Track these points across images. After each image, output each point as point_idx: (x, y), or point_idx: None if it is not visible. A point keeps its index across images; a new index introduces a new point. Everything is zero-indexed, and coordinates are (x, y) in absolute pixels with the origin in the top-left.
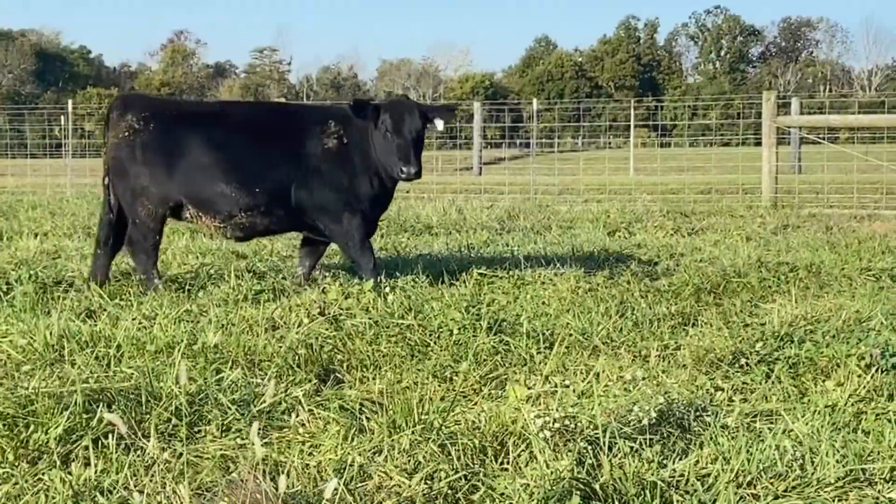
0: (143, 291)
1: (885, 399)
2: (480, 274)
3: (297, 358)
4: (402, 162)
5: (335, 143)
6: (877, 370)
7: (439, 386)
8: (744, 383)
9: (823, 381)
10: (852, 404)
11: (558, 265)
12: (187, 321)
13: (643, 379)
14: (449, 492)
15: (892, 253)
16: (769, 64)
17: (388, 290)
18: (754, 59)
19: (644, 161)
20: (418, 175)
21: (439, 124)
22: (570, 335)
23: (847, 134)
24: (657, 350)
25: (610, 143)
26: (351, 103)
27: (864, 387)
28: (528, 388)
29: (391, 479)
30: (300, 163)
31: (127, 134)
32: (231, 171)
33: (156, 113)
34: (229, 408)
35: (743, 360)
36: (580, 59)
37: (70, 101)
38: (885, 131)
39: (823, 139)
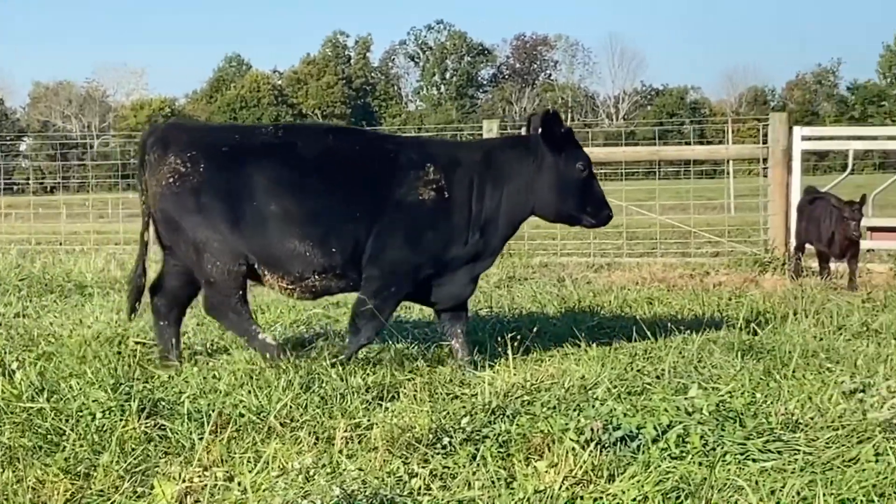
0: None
1: (604, 480)
2: (137, 343)
3: None
4: (608, 208)
5: (432, 195)
6: (597, 446)
7: (71, 484)
8: (445, 467)
9: (537, 460)
10: (567, 488)
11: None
12: None
13: (322, 466)
14: None
15: (629, 307)
16: (502, 88)
17: (14, 365)
18: (485, 82)
19: None
20: None
21: None
22: (242, 415)
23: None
24: (345, 430)
25: None
26: (549, 114)
27: (582, 466)
28: (182, 483)
29: None
30: (383, 215)
31: (171, 179)
32: (307, 226)
33: (205, 148)
34: None
35: (446, 440)
36: (280, 82)
37: None
38: (622, 165)
39: None
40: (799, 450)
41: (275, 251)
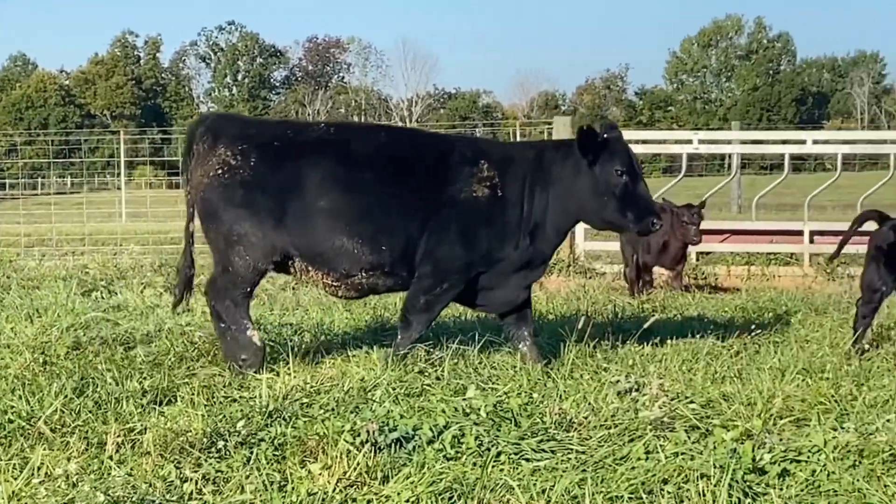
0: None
1: (378, 482)
2: None
3: None
4: (653, 214)
5: (486, 192)
6: (372, 447)
7: None
8: (218, 471)
9: (311, 463)
10: (340, 490)
11: (13, 335)
12: None
13: (90, 472)
14: None
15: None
16: (295, 90)
17: None
18: (278, 84)
19: (154, 204)
20: None
21: None
22: (11, 421)
23: None
24: (117, 435)
25: (106, 184)
26: (583, 130)
27: (356, 468)
28: None
29: None
30: (437, 212)
31: (220, 171)
32: (355, 222)
33: (256, 142)
34: None
35: (221, 443)
36: (67, 83)
37: None
38: None
39: None
40: (572, 448)
41: (322, 247)
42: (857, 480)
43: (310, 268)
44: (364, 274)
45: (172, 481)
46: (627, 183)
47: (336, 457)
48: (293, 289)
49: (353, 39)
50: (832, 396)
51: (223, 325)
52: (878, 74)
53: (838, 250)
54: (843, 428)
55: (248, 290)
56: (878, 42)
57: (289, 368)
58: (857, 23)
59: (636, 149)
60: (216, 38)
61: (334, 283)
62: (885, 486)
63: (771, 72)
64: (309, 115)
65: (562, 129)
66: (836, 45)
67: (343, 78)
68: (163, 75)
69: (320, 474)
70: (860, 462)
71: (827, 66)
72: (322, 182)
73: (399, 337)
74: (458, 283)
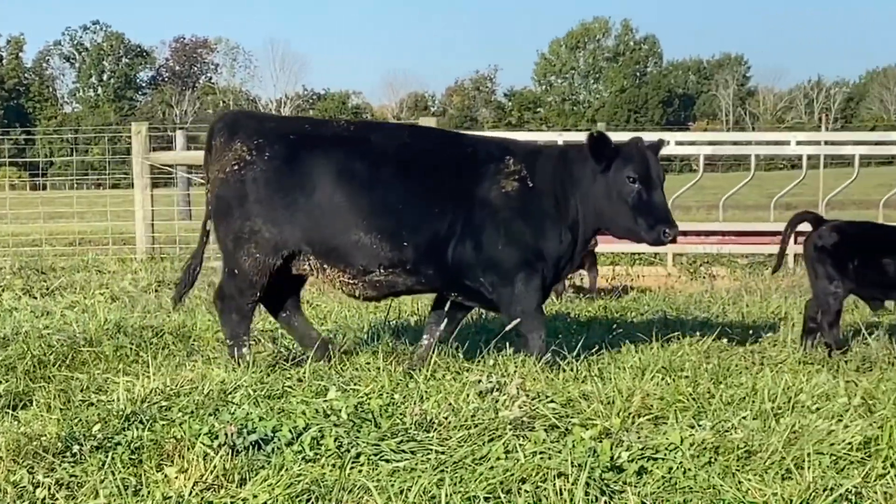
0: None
1: (236, 485)
2: None
3: None
4: (665, 223)
5: (516, 185)
6: (230, 450)
7: None
8: (73, 476)
9: (168, 466)
10: (197, 493)
11: None
12: None
13: None
14: None
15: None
16: (162, 91)
17: None
18: (144, 84)
19: (16, 206)
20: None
21: None
22: None
23: None
24: None
25: None
26: (593, 136)
27: (213, 471)
28: None
29: None
30: (467, 210)
31: (236, 166)
32: (374, 217)
33: (272, 137)
34: None
35: (76, 448)
36: None
37: None
38: None
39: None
40: (431, 449)
41: (338, 242)
42: (712, 477)
43: (325, 265)
44: (382, 271)
45: (25, 486)
46: (641, 191)
47: (193, 460)
48: (155, 291)
49: (221, 40)
50: (690, 394)
51: (225, 339)
52: (743, 77)
53: (779, 259)
54: (699, 425)
55: (255, 298)
56: (742, 45)
57: (148, 371)
58: (721, 26)
59: None
60: (80, 37)
61: (351, 281)
62: (739, 482)
63: (638, 73)
64: (176, 116)
65: None
66: (702, 47)
67: (210, 78)
68: (26, 75)
69: (176, 478)
70: (715, 459)
71: (693, 69)
72: (341, 176)
73: (529, 350)
74: (532, 274)
